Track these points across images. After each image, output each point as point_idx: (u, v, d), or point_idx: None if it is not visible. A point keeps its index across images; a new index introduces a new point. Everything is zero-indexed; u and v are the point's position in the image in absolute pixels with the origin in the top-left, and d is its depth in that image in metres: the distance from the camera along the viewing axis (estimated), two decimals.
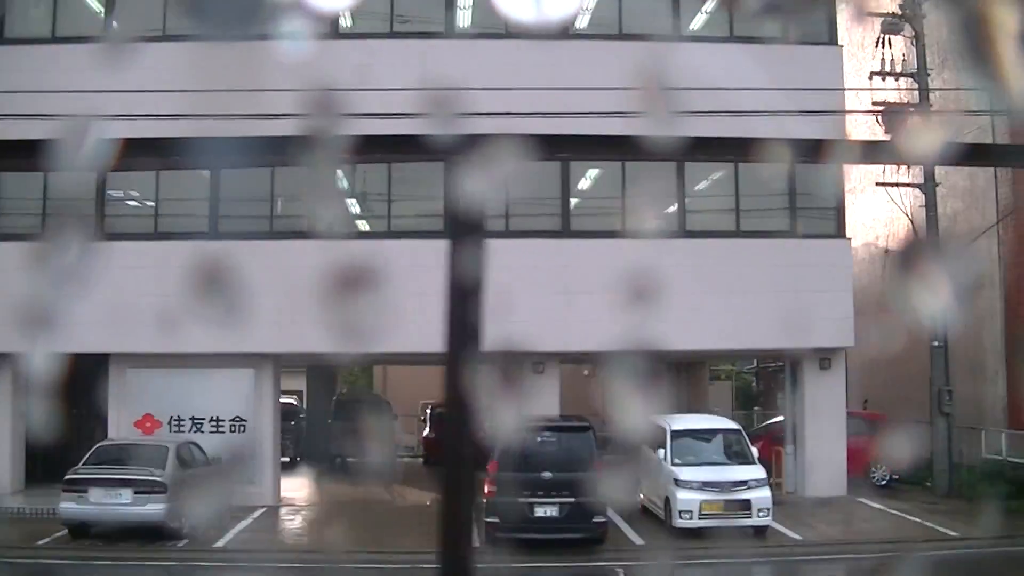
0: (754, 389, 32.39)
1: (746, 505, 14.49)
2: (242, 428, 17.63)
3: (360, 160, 15.22)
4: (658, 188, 18.43)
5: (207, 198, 17.82)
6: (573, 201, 18.87)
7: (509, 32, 18.03)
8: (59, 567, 13.58)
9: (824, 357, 18.21)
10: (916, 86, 18.86)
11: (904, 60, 19.00)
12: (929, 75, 18.87)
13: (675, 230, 18.52)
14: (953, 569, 13.32)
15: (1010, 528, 15.33)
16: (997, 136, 18.66)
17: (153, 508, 14.00)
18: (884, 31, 19.05)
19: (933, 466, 18.45)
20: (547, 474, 13.79)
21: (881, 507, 17.06)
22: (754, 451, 15.60)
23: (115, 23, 18.49)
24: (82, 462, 14.46)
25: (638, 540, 14.73)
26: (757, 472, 14.93)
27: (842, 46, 18.51)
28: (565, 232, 17.98)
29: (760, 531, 14.63)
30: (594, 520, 13.80)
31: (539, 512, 13.74)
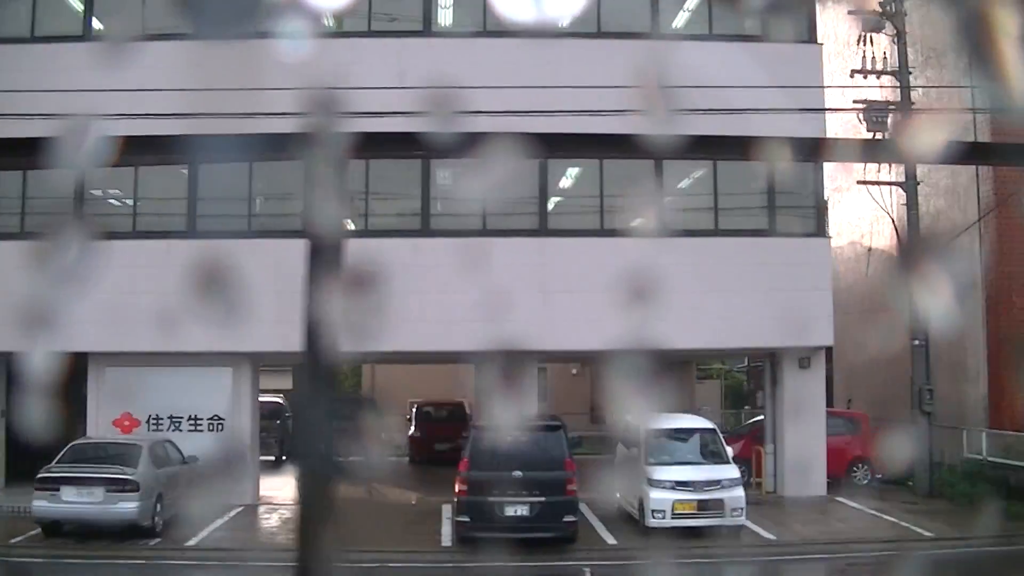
0: (745, 388, 32.34)
1: (719, 505, 14.44)
2: (220, 427, 17.63)
3: (357, 158, 15.32)
4: (637, 187, 18.41)
5: (186, 196, 17.83)
6: (552, 200, 18.84)
7: (489, 31, 18.05)
8: (30, 565, 13.61)
9: (804, 356, 18.16)
10: (898, 84, 18.78)
11: (885, 58, 18.93)
12: (911, 73, 18.80)
13: (655, 229, 18.47)
14: (920, 569, 13.25)
15: (986, 528, 15.27)
16: (979, 135, 18.58)
17: (125, 506, 14.02)
18: (866, 29, 18.98)
19: (914, 466, 18.39)
20: (518, 473, 13.77)
21: (859, 507, 17.01)
22: (729, 451, 15.56)
23: (101, 23, 18.54)
24: (55, 461, 14.48)
25: (611, 540, 14.71)
26: (731, 472, 14.89)
27: (822, 44, 18.45)
28: (543, 231, 17.94)
29: (734, 531, 14.58)
30: (564, 519, 13.79)
31: (509, 511, 13.71)
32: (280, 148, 3.90)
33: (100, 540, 14.12)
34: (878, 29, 18.92)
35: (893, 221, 19.17)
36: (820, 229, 18.41)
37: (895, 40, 18.94)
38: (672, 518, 14.40)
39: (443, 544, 14.39)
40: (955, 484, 17.51)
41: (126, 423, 17.50)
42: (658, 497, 14.46)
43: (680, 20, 19.61)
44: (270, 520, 16.84)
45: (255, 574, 13.67)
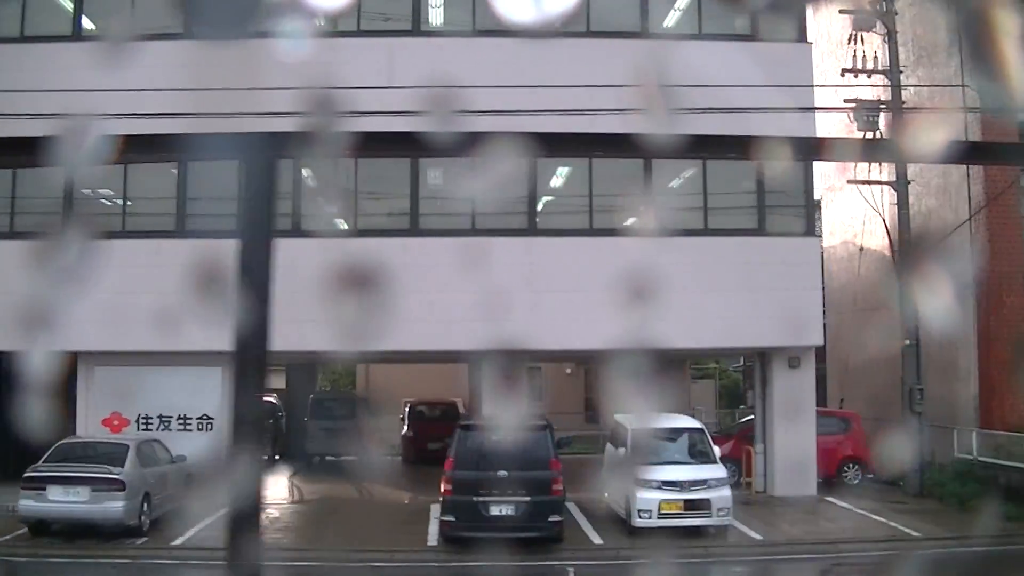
0: (741, 387, 32.32)
1: (705, 504, 14.41)
2: (209, 426, 17.64)
3: (356, 156, 15.26)
4: (627, 186, 18.39)
5: (175, 196, 17.84)
6: (541, 200, 18.82)
7: (478, 30, 18.03)
8: (16, 564, 13.62)
9: (794, 356, 18.13)
10: (889, 83, 18.75)
11: (876, 57, 18.89)
12: (902, 72, 18.77)
13: (645, 228, 18.46)
14: (906, 569, 13.23)
15: (975, 528, 15.24)
16: (970, 134, 18.53)
17: (111, 506, 14.02)
18: (856, 28, 18.94)
19: (905, 466, 18.34)
20: (503, 473, 13.75)
21: (848, 506, 16.98)
22: (717, 450, 15.54)
23: (91, 22, 18.55)
24: (42, 460, 14.50)
25: (597, 540, 14.69)
26: (717, 471, 14.86)
27: (812, 43, 18.42)
28: (532, 231, 17.92)
29: (721, 531, 14.57)
30: (550, 519, 13.77)
31: (494, 511, 13.71)
32: (280, 148, 3.91)
33: (87, 539, 14.13)
34: (869, 28, 18.88)
35: (884, 221, 19.14)
36: (810, 229, 18.38)
37: (886, 39, 18.90)
38: (658, 518, 14.37)
39: (429, 544, 14.38)
40: (945, 484, 17.47)
41: (115, 423, 17.53)
42: (644, 496, 14.44)
43: (671, 20, 19.59)
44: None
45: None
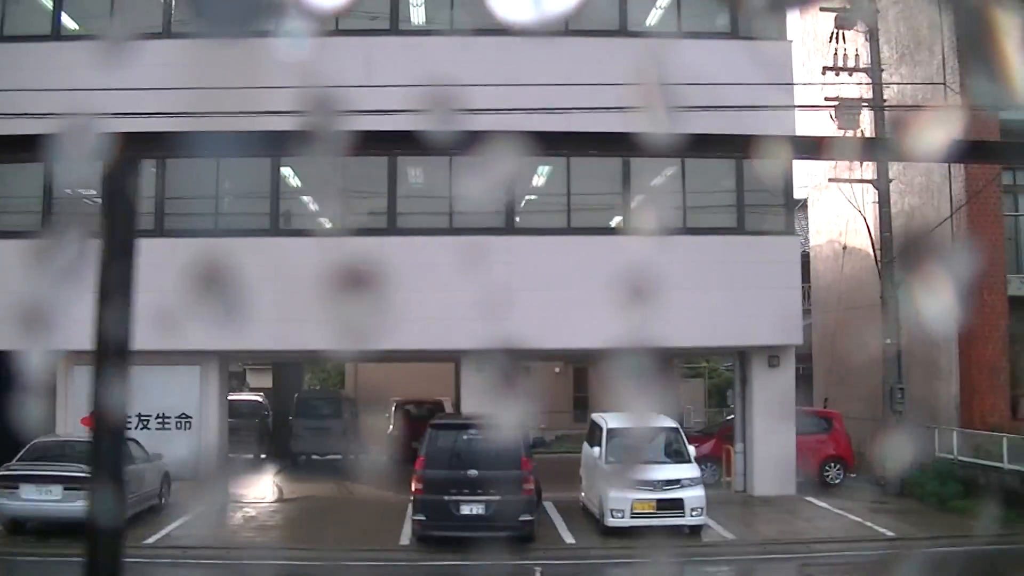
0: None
1: (678, 504, 14.37)
2: (188, 425, 17.68)
3: (356, 155, 15.20)
4: (604, 185, 18.37)
5: (153, 196, 17.86)
6: (521, 199, 18.80)
7: (456, 28, 18.02)
8: None
9: (773, 355, 18.07)
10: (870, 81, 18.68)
11: (857, 55, 18.82)
12: (884, 70, 18.70)
13: (622, 227, 18.45)
14: (874, 570, 13.21)
15: (950, 528, 15.21)
16: (958, 132, 18.43)
17: (83, 504, 14.02)
18: (839, 26, 18.88)
19: (884, 464, 18.28)
20: (473, 472, 13.74)
21: (826, 506, 16.94)
22: (691, 450, 15.47)
23: (73, 21, 18.60)
24: (16, 458, 14.54)
25: (569, 539, 14.66)
26: (691, 471, 14.81)
27: (791, 41, 18.36)
28: (510, 230, 17.88)
29: (695, 530, 14.53)
30: (520, 518, 13.74)
31: (465, 510, 13.70)
32: (280, 147, 3.90)
33: (61, 538, 14.15)
34: (851, 26, 18.82)
35: (864, 218, 19.08)
36: (789, 227, 18.32)
37: (868, 37, 18.83)
38: (631, 517, 14.33)
39: (401, 543, 14.37)
40: (925, 484, 17.40)
41: None
42: (617, 496, 14.41)
43: (653, 18, 19.55)
44: (233, 518, 16.86)
45: (212, 571, 13.70)
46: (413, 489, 14.00)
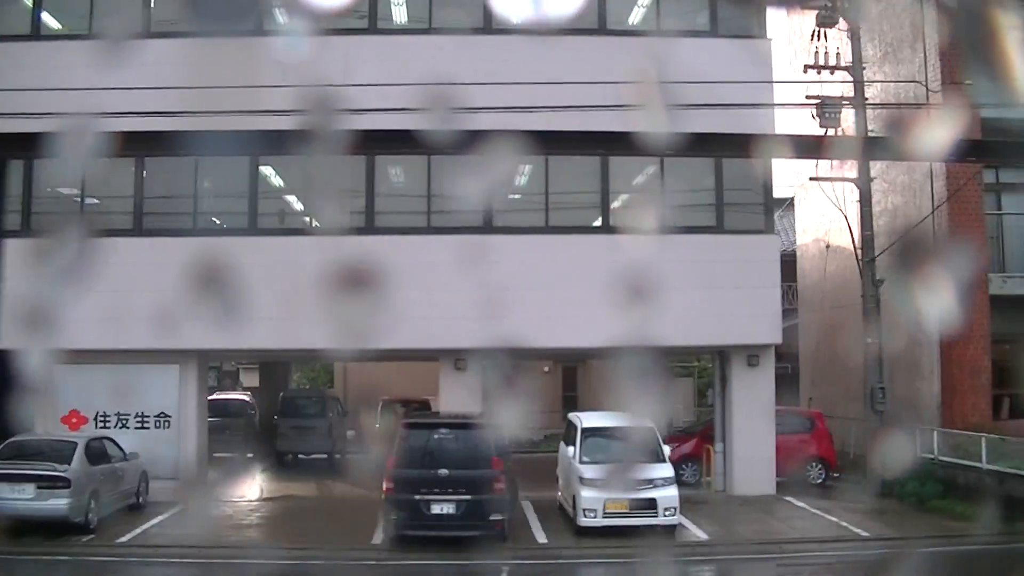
0: None
1: (651, 504, 14.32)
2: (167, 424, 17.70)
3: (351, 154, 15.20)
4: (583, 184, 18.33)
5: (132, 195, 17.88)
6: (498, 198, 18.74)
7: (434, 27, 18.00)
8: None
9: (752, 354, 18.02)
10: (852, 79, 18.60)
11: (839, 54, 18.75)
12: (865, 68, 18.61)
13: (599, 226, 18.41)
14: (841, 571, 13.16)
15: (927, 528, 15.15)
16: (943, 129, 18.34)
17: (56, 503, 14.07)
18: (820, 24, 18.80)
19: (866, 464, 18.23)
20: (443, 471, 13.72)
21: (804, 506, 16.87)
22: (666, 450, 15.42)
23: (55, 20, 18.63)
24: None
25: (542, 539, 14.63)
26: (665, 471, 14.75)
27: (771, 39, 18.29)
28: (488, 228, 17.85)
29: (668, 530, 14.47)
30: (491, 518, 13.70)
31: (436, 509, 13.68)
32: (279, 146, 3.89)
33: (33, 536, 14.18)
34: (833, 24, 18.74)
35: (846, 217, 19.00)
36: (769, 226, 18.25)
37: (851, 36, 18.76)
38: (604, 517, 14.30)
39: (373, 542, 14.36)
40: (905, 483, 17.32)
41: (74, 420, 17.60)
42: (590, 495, 14.37)
43: (634, 16, 19.50)
44: (210, 517, 16.85)
45: (184, 570, 13.70)
46: (384, 488, 13.98)
